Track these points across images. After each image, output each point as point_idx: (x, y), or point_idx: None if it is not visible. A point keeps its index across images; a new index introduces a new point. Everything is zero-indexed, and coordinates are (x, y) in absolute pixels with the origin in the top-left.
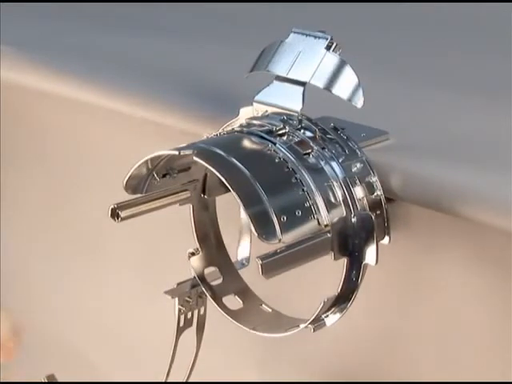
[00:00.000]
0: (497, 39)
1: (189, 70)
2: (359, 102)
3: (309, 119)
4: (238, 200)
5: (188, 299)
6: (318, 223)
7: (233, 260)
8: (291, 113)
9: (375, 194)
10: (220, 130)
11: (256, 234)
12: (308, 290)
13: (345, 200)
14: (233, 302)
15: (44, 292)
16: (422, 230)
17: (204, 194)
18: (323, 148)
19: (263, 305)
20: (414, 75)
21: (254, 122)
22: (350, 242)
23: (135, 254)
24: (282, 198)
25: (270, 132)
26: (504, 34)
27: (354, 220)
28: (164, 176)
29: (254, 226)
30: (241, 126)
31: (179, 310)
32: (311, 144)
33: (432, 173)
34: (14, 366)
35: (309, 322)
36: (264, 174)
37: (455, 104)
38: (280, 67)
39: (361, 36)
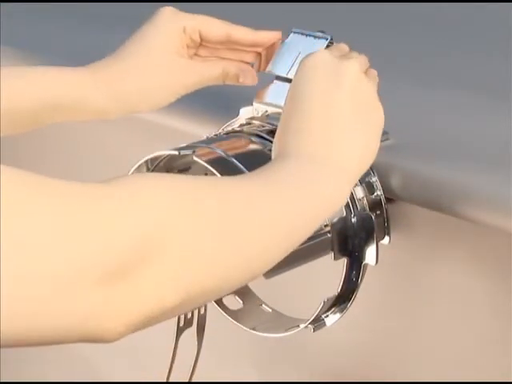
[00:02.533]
0: (497, 39)
1: None
2: None
3: None
4: None
5: None
6: None
7: None
8: None
9: (375, 194)
10: (220, 130)
11: None
12: (308, 290)
13: None
14: (233, 302)
15: None
16: (422, 229)
17: None
18: None
19: (263, 305)
20: (414, 75)
21: (254, 122)
22: (349, 242)
23: None
24: None
25: (270, 132)
26: (504, 34)
27: (353, 220)
28: None
29: None
30: (241, 125)
31: None
32: None
33: (432, 173)
34: (14, 365)
35: (309, 321)
36: None
37: (455, 104)
38: (280, 67)
39: (361, 36)
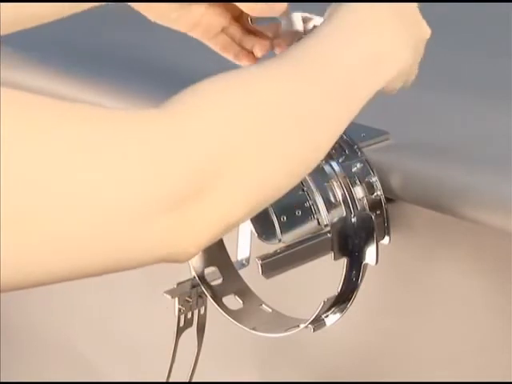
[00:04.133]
0: (497, 40)
1: (189, 71)
2: None
3: None
4: None
5: (188, 299)
6: (318, 223)
7: (233, 260)
8: None
9: (375, 194)
10: None
11: (256, 234)
12: (308, 290)
13: (345, 200)
14: (233, 302)
15: (44, 292)
16: (422, 230)
17: None
18: None
19: (263, 305)
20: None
21: None
22: (349, 242)
23: None
24: (281, 197)
25: None
26: (504, 34)
27: (353, 220)
28: None
29: (254, 226)
30: None
31: (179, 310)
32: None
33: (432, 173)
34: (14, 365)
35: (309, 321)
36: None
37: (455, 104)
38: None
39: None
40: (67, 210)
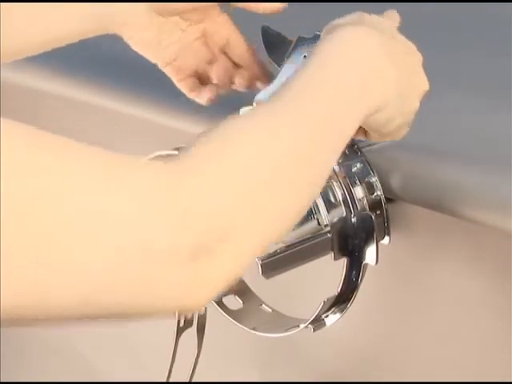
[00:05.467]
0: (497, 40)
1: None
2: None
3: None
4: None
5: None
6: (318, 223)
7: None
8: None
9: (375, 194)
10: None
11: None
12: (308, 290)
13: (345, 200)
14: (233, 302)
15: None
16: (422, 230)
17: None
18: None
19: (263, 305)
20: None
21: None
22: (349, 242)
23: None
24: None
25: None
26: (504, 34)
27: (353, 220)
28: None
29: None
30: None
31: None
32: None
33: (432, 173)
34: (14, 365)
35: (309, 321)
36: None
37: (455, 104)
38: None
39: None
40: (78, 250)
